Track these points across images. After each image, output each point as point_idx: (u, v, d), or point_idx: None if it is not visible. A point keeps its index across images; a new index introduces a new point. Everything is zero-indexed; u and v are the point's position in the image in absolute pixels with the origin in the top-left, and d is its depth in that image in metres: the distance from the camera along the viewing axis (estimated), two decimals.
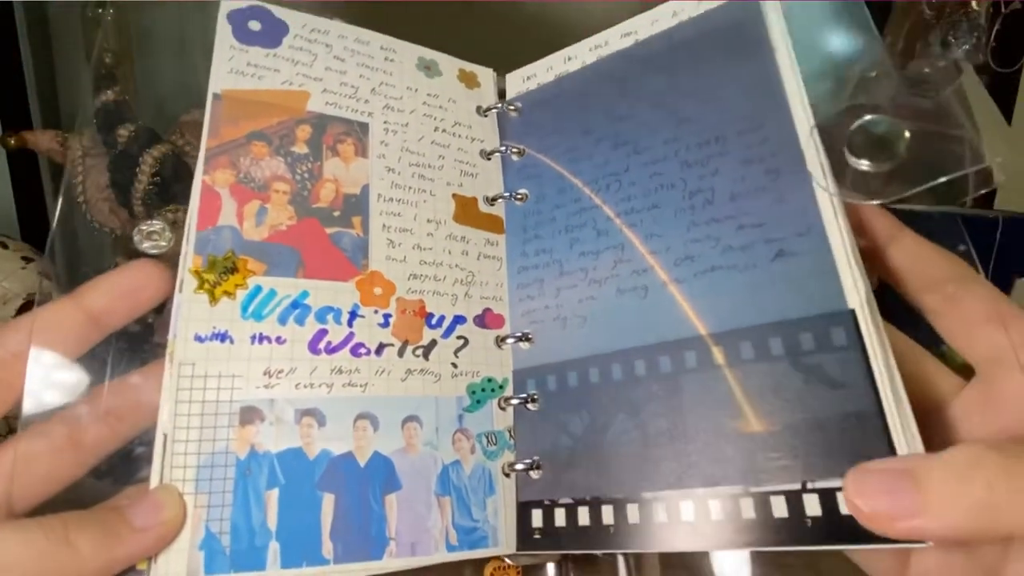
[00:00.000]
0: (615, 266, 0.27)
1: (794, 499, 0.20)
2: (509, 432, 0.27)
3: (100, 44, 0.44)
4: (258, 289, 0.25)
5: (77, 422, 0.22)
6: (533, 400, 0.27)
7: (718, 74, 0.28)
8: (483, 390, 0.27)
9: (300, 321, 0.25)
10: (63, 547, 0.19)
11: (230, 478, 0.22)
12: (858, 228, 0.23)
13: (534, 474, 0.26)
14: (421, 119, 0.31)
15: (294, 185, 0.27)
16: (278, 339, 0.25)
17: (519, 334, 0.29)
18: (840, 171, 0.23)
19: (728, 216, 0.25)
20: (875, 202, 0.22)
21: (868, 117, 0.22)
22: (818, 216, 0.23)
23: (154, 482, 0.22)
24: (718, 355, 0.23)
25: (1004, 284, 0.60)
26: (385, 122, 0.30)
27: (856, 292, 0.22)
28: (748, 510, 0.21)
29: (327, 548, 0.23)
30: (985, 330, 0.21)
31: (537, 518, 0.25)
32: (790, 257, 0.23)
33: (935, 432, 0.21)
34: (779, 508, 0.20)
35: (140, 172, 0.51)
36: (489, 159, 0.32)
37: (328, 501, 0.23)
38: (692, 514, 0.22)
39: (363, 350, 0.26)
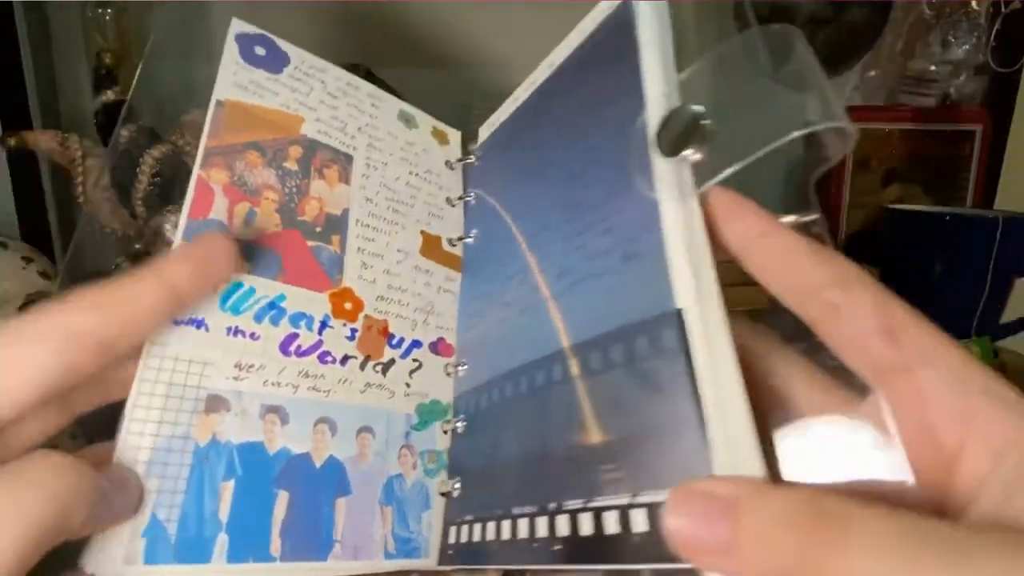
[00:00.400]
0: (518, 287, 0.28)
1: (624, 514, 0.18)
2: (447, 453, 0.29)
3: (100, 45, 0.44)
4: (239, 285, 0.26)
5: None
6: (462, 422, 0.29)
7: (598, 84, 0.28)
8: (430, 412, 0.29)
9: (275, 322, 0.26)
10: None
11: (187, 464, 0.22)
12: (714, 223, 0.20)
13: (455, 492, 0.27)
14: (399, 161, 0.34)
15: (283, 196, 0.28)
16: (252, 335, 0.25)
17: (460, 361, 0.31)
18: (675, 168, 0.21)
19: (597, 222, 0.24)
20: (709, 184, 0.20)
21: (667, 113, 0.21)
22: (656, 213, 0.21)
23: (115, 458, 0.21)
24: (574, 367, 0.23)
25: (1004, 284, 0.60)
26: (368, 158, 0.33)
27: (689, 290, 0.19)
28: (587, 526, 0.19)
29: (275, 545, 0.23)
30: (873, 343, 0.17)
31: (452, 534, 0.26)
32: (637, 258, 0.21)
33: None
34: (611, 524, 0.19)
35: (140, 172, 0.51)
36: (453, 206, 0.35)
37: (282, 498, 0.24)
38: (545, 530, 0.21)
39: (329, 358, 0.27)
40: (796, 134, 0.19)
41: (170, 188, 0.53)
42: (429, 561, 0.26)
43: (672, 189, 0.21)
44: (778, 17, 0.76)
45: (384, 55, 0.37)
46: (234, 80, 0.29)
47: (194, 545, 0.21)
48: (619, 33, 0.26)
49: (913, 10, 0.75)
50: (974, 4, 0.72)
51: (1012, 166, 0.78)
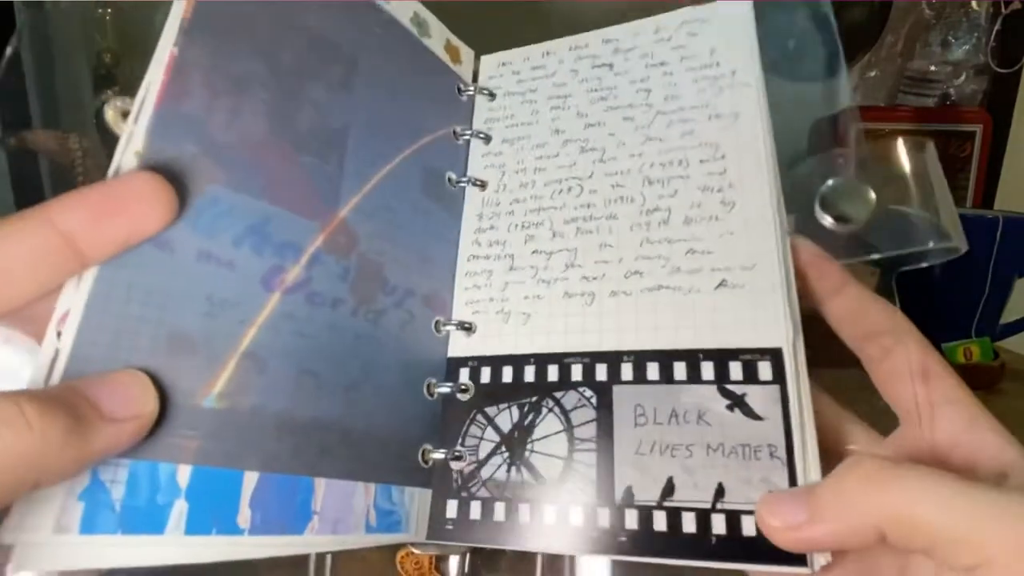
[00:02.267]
0: (566, 269, 0.27)
1: (703, 517, 0.22)
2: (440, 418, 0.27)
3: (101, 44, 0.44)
4: (216, 200, 0.21)
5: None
6: (463, 390, 0.27)
7: (691, 100, 0.28)
8: (419, 369, 0.26)
9: (257, 250, 0.21)
10: (25, 433, 0.14)
11: None
12: (804, 274, 0.25)
13: (454, 464, 0.25)
14: (406, 74, 0.29)
15: (274, 96, 0.23)
16: (229, 263, 0.21)
17: (460, 322, 0.28)
18: (803, 219, 0.25)
19: (681, 239, 0.26)
20: (840, 261, 0.25)
21: (840, 180, 0.24)
22: (765, 254, 0.24)
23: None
24: (652, 371, 0.24)
25: (1004, 284, 0.60)
26: (373, 65, 0.27)
27: (786, 332, 0.23)
28: (660, 523, 0.22)
29: (244, 516, 0.19)
30: (908, 384, 0.22)
31: (452, 509, 0.25)
32: (732, 288, 0.24)
33: None
34: (688, 524, 0.22)
35: None
36: (458, 140, 0.31)
37: None
38: (607, 521, 0.23)
39: (319, 300, 0.23)
40: (912, 250, 0.25)
41: None
42: (412, 536, 0.24)
43: (781, 235, 0.24)
44: None
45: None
46: None
47: (145, 513, 0.17)
48: (722, 60, 0.29)
49: (913, 10, 0.75)
50: (974, 4, 0.72)
51: (1012, 166, 0.78)
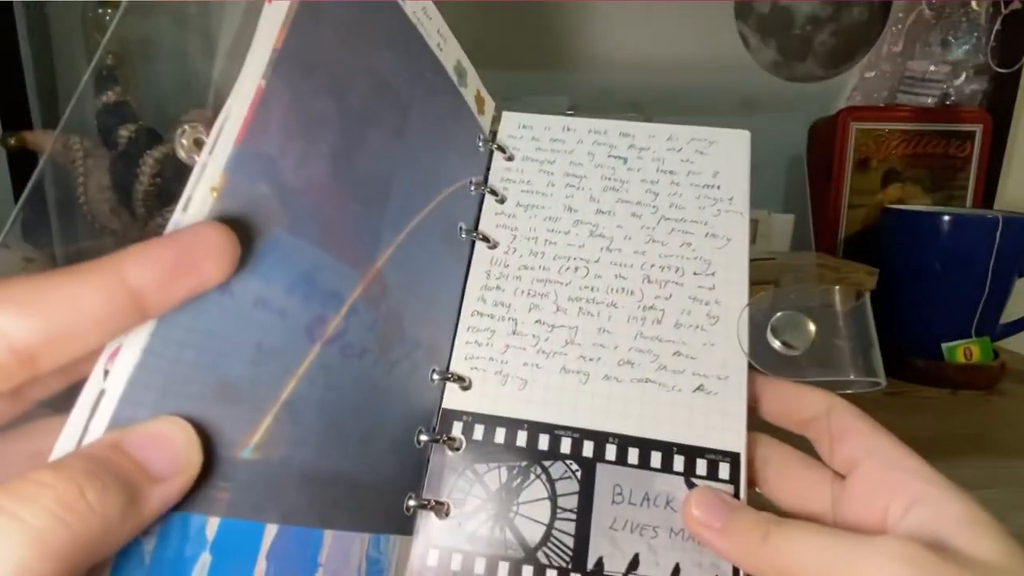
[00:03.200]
0: (565, 345, 0.29)
1: None
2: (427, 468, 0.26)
3: (103, 45, 0.44)
4: (277, 245, 0.20)
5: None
6: (454, 444, 0.27)
7: (692, 214, 0.31)
8: (412, 420, 0.26)
9: (306, 298, 0.21)
10: (89, 518, 0.14)
11: None
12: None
13: (439, 516, 0.26)
14: (442, 123, 0.29)
15: (339, 139, 0.22)
16: (281, 311, 0.20)
17: (457, 375, 0.28)
18: (755, 343, 0.28)
19: (670, 340, 0.29)
20: (787, 379, 0.28)
21: (791, 312, 0.28)
22: (736, 369, 0.28)
23: (64, 447, 0.16)
24: (633, 455, 0.27)
25: (1004, 284, 0.60)
26: (419, 111, 0.28)
27: (742, 439, 0.27)
28: None
29: (260, 568, 0.19)
30: (844, 444, 0.26)
31: (433, 558, 0.25)
32: (707, 394, 0.27)
33: None
34: None
35: (141, 173, 0.51)
36: (472, 191, 0.32)
37: None
38: None
39: (351, 351, 0.23)
40: (835, 379, 0.27)
41: (171, 189, 0.53)
42: None
43: (763, 365, 0.28)
44: (778, 17, 0.76)
45: (477, 54, 0.33)
46: None
47: (172, 564, 0.17)
48: (718, 183, 0.32)
49: (913, 10, 0.75)
50: (974, 4, 0.72)
51: (1012, 166, 0.78)
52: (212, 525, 0.18)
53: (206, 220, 0.17)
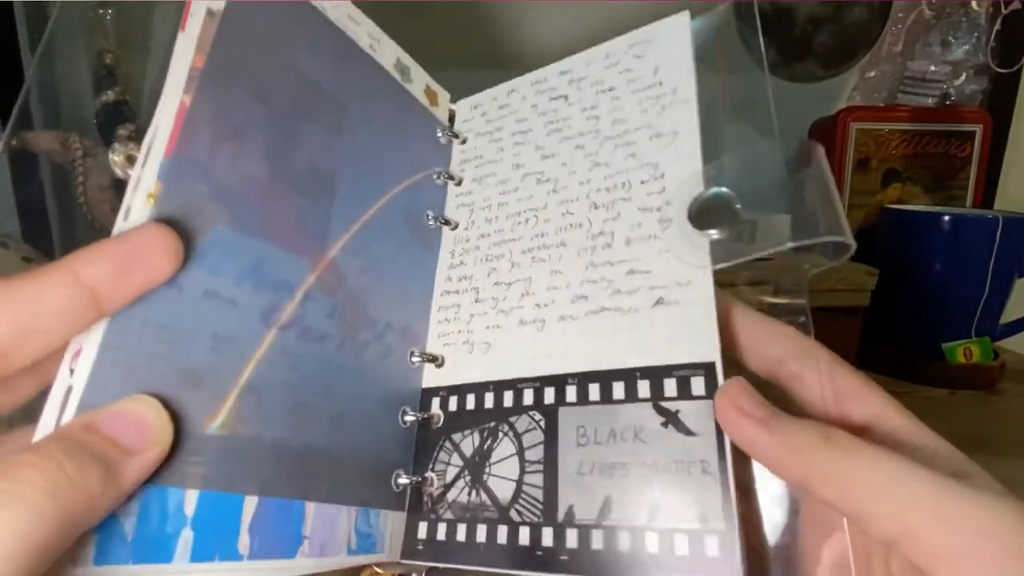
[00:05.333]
0: (521, 298, 0.28)
1: (637, 536, 0.21)
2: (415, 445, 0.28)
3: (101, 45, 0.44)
4: (220, 240, 0.21)
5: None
6: (435, 419, 0.28)
7: (635, 122, 0.29)
8: (396, 400, 0.28)
9: (257, 288, 0.22)
10: (70, 491, 0.15)
11: None
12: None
13: (426, 489, 0.27)
14: (389, 118, 0.30)
15: (272, 139, 0.24)
16: (231, 301, 0.21)
17: (431, 354, 0.29)
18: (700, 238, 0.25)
19: (622, 260, 0.26)
20: (735, 261, 0.24)
21: (705, 192, 0.24)
22: (700, 269, 0.24)
23: (41, 436, 0.17)
24: (594, 392, 0.25)
25: (1004, 284, 0.60)
26: (360, 108, 0.28)
27: (715, 346, 0.23)
28: (598, 542, 0.22)
29: (244, 542, 0.20)
30: (826, 410, 0.22)
31: (423, 530, 0.26)
32: (668, 306, 0.24)
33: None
34: (623, 542, 0.22)
35: None
36: (437, 181, 0.33)
37: None
38: (551, 540, 0.23)
39: (311, 335, 0.24)
40: (792, 245, 0.23)
41: None
42: (386, 556, 0.25)
43: (703, 257, 0.24)
44: (779, 17, 0.76)
45: (430, 54, 0.34)
46: None
47: (155, 543, 0.18)
48: (662, 81, 0.29)
49: (913, 10, 0.75)
50: (974, 4, 0.72)
51: (1012, 166, 0.78)
52: (191, 499, 0.19)
53: (148, 221, 0.19)
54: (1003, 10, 0.71)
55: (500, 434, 0.26)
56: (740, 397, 0.20)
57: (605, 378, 0.24)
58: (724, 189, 0.24)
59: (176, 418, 0.19)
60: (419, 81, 0.33)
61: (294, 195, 0.25)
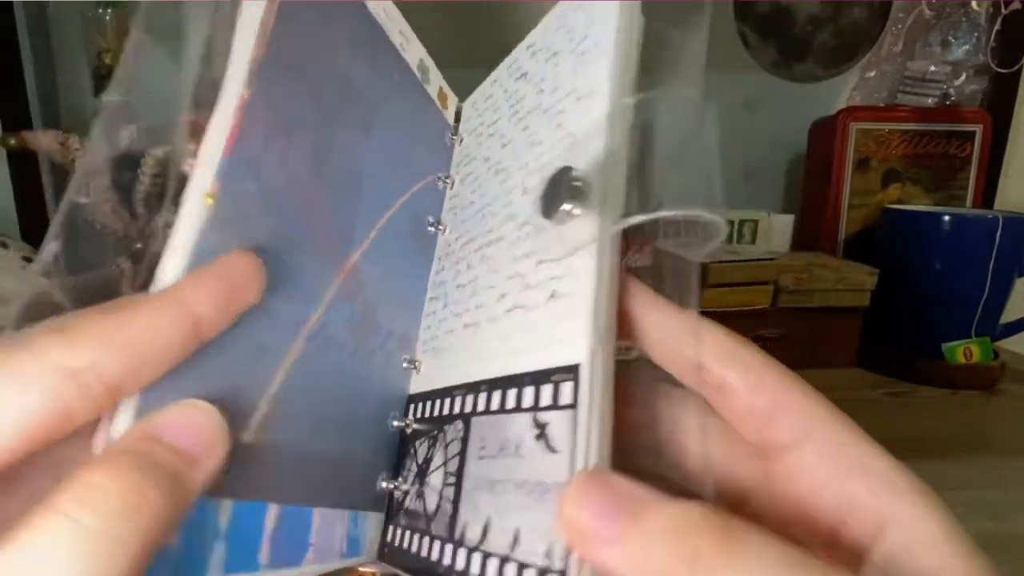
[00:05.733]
0: (469, 299, 0.26)
1: (500, 568, 0.18)
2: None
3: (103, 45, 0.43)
4: (265, 244, 0.21)
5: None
6: (408, 425, 0.27)
7: (565, 86, 0.25)
8: (388, 406, 0.27)
9: (291, 295, 0.22)
10: (147, 511, 0.15)
11: None
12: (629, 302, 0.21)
13: (397, 494, 0.26)
14: (407, 118, 0.30)
15: (317, 138, 0.23)
16: (269, 307, 0.20)
17: (412, 360, 0.28)
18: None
19: (534, 250, 0.23)
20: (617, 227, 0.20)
21: (550, 173, 0.21)
22: (583, 247, 0.20)
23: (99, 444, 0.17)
24: (495, 400, 0.22)
25: (1004, 284, 0.60)
26: (385, 108, 0.28)
27: (584, 345, 0.19)
28: (475, 566, 0.20)
29: (264, 552, 0.20)
30: (756, 423, 0.19)
31: (389, 534, 0.25)
32: (558, 299, 0.21)
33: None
34: (491, 572, 0.19)
35: (142, 173, 0.51)
36: (441, 186, 0.31)
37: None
38: (449, 559, 0.21)
39: (332, 343, 0.24)
40: (673, 214, 0.19)
41: (171, 188, 0.53)
42: (367, 559, 0.25)
43: (568, 237, 0.21)
44: (778, 17, 0.76)
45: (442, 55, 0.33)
46: None
47: (195, 559, 0.18)
48: (584, 41, 0.25)
49: (913, 10, 0.75)
50: (974, 4, 0.72)
51: (1012, 166, 0.78)
52: (225, 510, 0.19)
53: (239, 250, 0.19)
54: (1003, 10, 0.71)
55: (437, 443, 0.25)
56: (585, 503, 0.15)
57: (505, 384, 0.22)
58: (570, 160, 0.21)
59: None
60: (435, 83, 0.32)
61: (330, 197, 0.24)
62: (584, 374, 0.18)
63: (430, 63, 0.32)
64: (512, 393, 0.21)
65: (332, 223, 0.24)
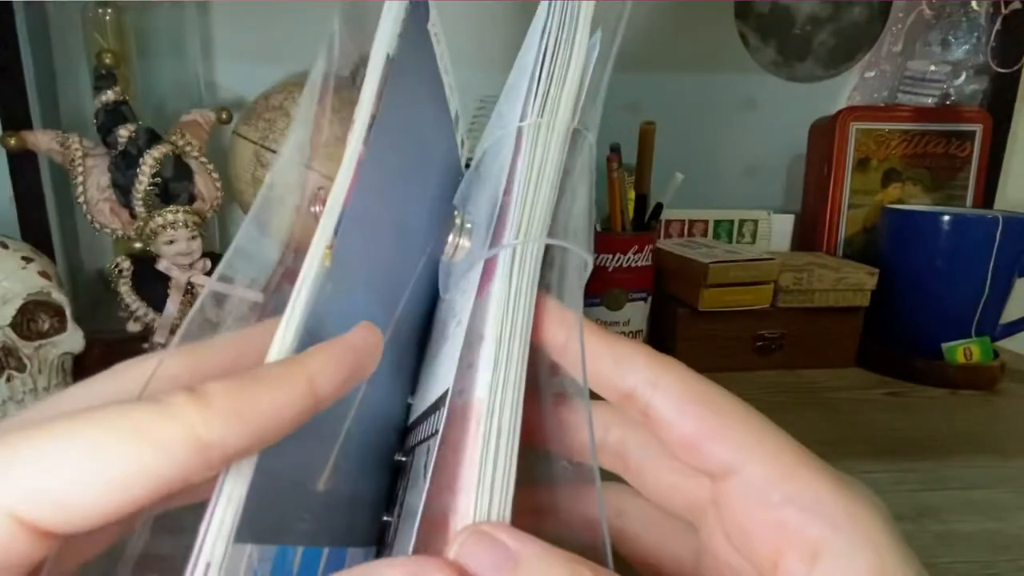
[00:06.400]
0: (442, 327, 0.26)
1: None
2: None
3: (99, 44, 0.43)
4: (357, 296, 0.21)
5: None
6: (402, 462, 0.27)
7: (516, 92, 0.26)
8: None
9: None
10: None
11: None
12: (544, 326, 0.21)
13: (387, 526, 0.26)
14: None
15: (401, 191, 0.24)
16: None
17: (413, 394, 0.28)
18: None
19: (463, 288, 0.24)
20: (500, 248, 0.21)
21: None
22: (475, 257, 0.21)
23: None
24: (427, 426, 0.22)
25: (1004, 284, 0.60)
26: (438, 157, 0.28)
27: (450, 362, 0.20)
28: None
29: None
30: (682, 452, 0.19)
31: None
32: (460, 326, 0.21)
33: None
34: None
35: (141, 173, 0.51)
36: (455, 218, 0.32)
37: (326, 551, 0.22)
38: None
39: (381, 390, 0.24)
40: (551, 242, 0.19)
41: (170, 188, 0.53)
42: None
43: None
44: (778, 17, 0.76)
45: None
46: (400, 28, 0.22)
47: None
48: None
49: (913, 10, 0.75)
50: (974, 4, 0.72)
51: (1012, 166, 0.78)
52: (298, 557, 0.19)
53: (367, 325, 0.19)
54: (1003, 10, 0.71)
55: (401, 474, 0.24)
56: (473, 553, 0.16)
57: (431, 411, 0.22)
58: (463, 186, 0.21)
59: (303, 474, 0.19)
60: (452, 108, 0.31)
61: (394, 250, 0.24)
62: (447, 399, 0.19)
63: (460, 112, 0.31)
64: (432, 419, 0.21)
65: (393, 275, 0.24)
